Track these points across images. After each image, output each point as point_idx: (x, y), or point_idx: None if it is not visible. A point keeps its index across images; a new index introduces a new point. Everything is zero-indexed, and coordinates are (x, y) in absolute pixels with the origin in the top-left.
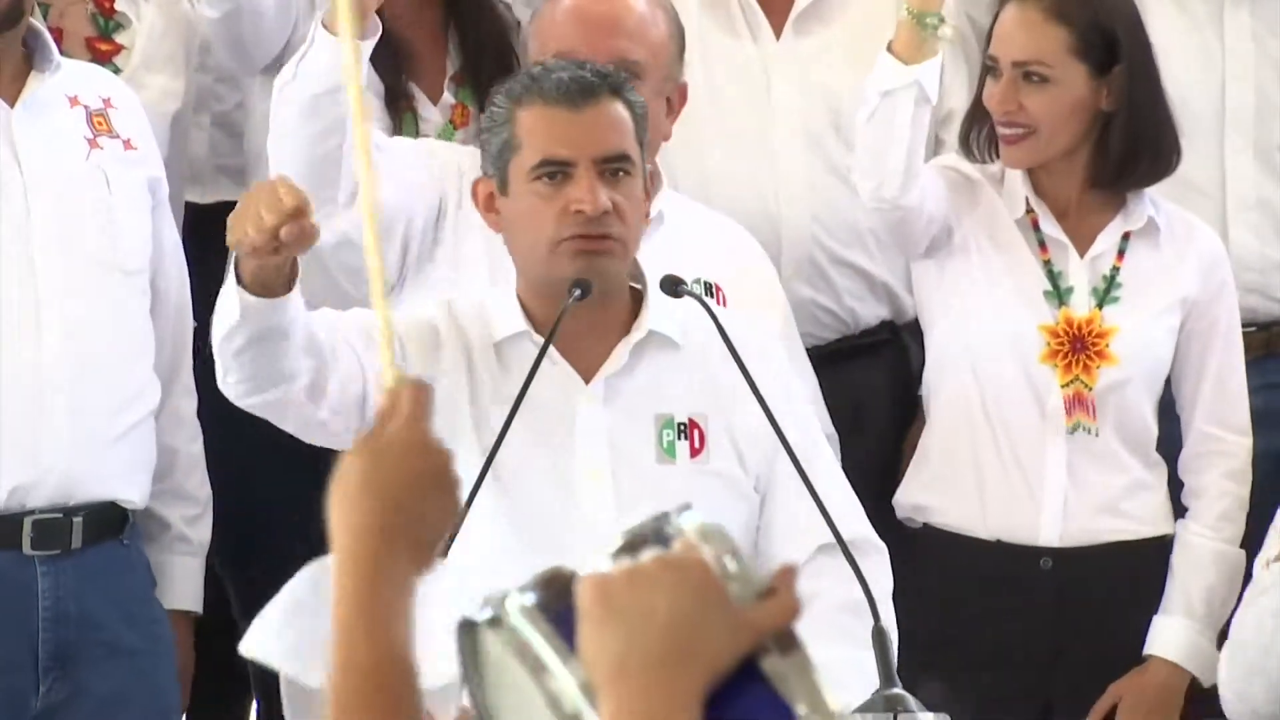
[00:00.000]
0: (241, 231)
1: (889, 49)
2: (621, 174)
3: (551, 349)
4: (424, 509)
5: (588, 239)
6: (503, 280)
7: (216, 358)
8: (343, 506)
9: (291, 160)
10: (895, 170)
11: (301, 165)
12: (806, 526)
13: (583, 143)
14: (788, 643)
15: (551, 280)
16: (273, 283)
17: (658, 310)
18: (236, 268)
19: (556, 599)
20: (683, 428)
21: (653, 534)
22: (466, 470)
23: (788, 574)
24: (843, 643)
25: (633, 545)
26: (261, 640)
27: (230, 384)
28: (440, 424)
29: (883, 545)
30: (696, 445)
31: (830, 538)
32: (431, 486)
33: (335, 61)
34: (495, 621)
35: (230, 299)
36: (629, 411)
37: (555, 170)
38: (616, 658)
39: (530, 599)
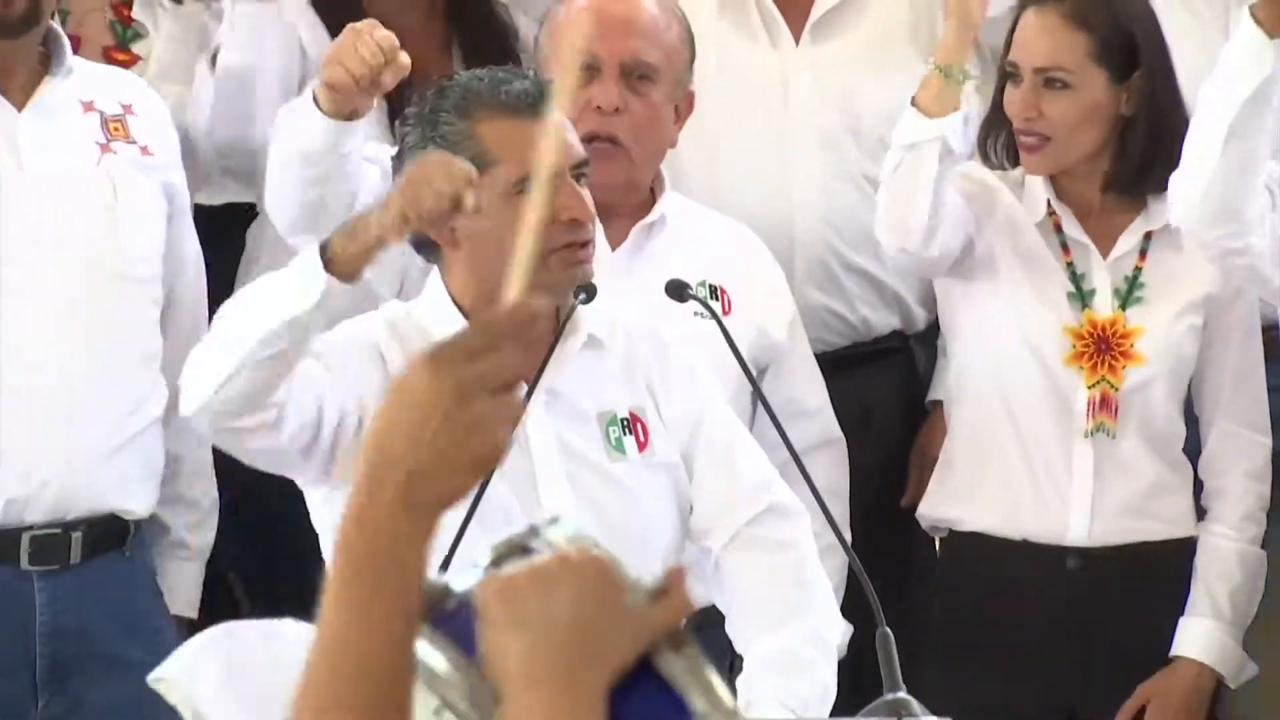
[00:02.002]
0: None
1: (913, 102)
2: (584, 179)
3: None
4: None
5: (579, 246)
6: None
7: (217, 368)
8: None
9: (286, 203)
10: (918, 226)
11: (299, 205)
12: (726, 504)
13: (555, 155)
14: (680, 640)
15: (537, 289)
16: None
17: (589, 313)
18: (324, 253)
19: (433, 607)
20: (626, 423)
21: (520, 548)
22: None
23: (678, 574)
24: (784, 625)
25: (501, 559)
26: (182, 670)
27: (218, 402)
28: None
29: (804, 509)
30: (642, 439)
31: (759, 508)
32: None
33: (321, 132)
34: None
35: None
36: (573, 415)
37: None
38: (523, 657)
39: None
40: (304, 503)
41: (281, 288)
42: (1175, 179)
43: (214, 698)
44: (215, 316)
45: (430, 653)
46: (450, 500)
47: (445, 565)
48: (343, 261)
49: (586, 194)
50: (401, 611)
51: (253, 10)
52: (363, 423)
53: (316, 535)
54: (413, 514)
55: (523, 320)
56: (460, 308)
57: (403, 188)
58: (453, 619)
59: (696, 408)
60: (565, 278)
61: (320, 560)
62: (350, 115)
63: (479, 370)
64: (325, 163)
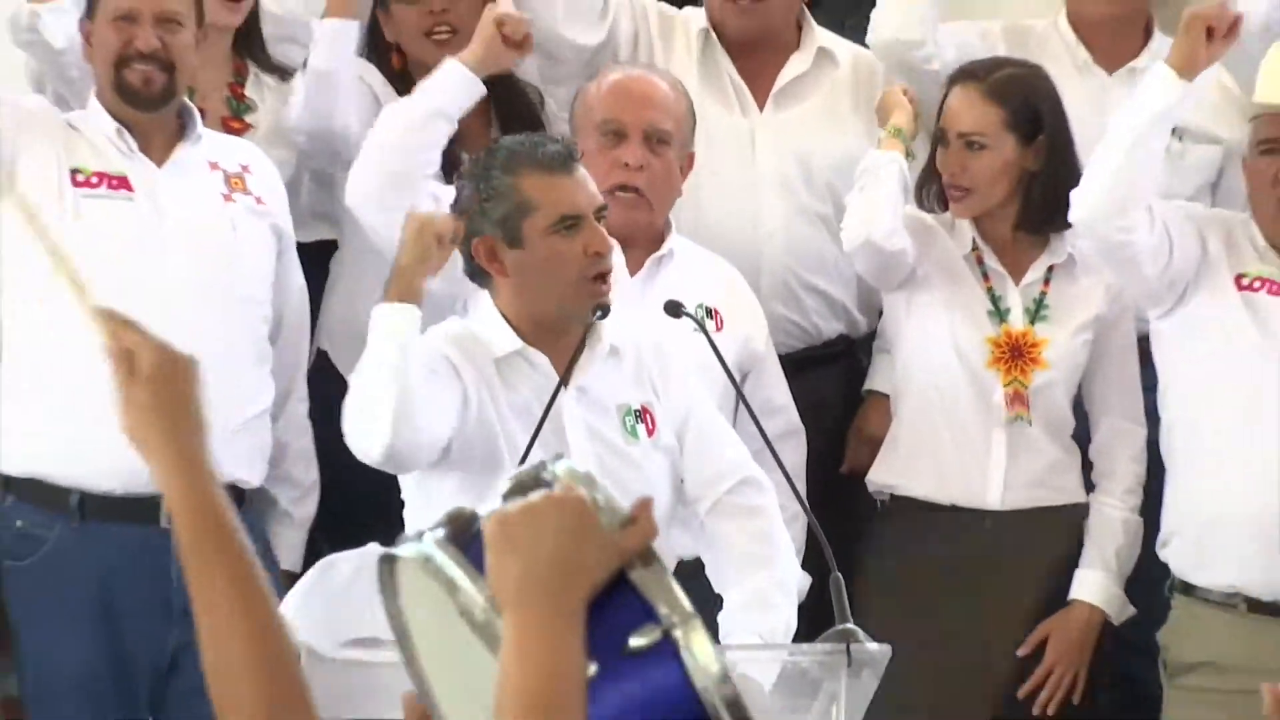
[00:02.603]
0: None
1: (879, 144)
2: (603, 219)
3: (544, 361)
4: None
5: (601, 278)
6: None
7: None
8: None
9: (381, 169)
10: (884, 220)
11: (390, 172)
12: (711, 478)
13: (585, 201)
14: (649, 558)
15: (569, 307)
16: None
17: (611, 328)
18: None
19: (461, 532)
20: (638, 414)
21: (533, 479)
22: (498, 460)
23: (646, 505)
24: (756, 572)
25: (519, 488)
26: (293, 610)
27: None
28: (478, 425)
29: (770, 483)
30: (650, 426)
31: (735, 480)
32: None
33: (457, 83)
34: (413, 550)
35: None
36: (597, 407)
37: (572, 223)
38: (517, 579)
39: (441, 533)
40: (371, 476)
41: (383, 335)
42: (1078, 189)
43: (322, 628)
44: (351, 384)
45: (454, 570)
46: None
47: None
48: (404, 299)
49: (604, 231)
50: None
51: (334, 26)
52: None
53: (383, 502)
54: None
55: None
56: (508, 320)
57: (403, 243)
58: (474, 543)
59: (687, 402)
60: (590, 300)
61: (391, 522)
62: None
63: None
64: (438, 128)
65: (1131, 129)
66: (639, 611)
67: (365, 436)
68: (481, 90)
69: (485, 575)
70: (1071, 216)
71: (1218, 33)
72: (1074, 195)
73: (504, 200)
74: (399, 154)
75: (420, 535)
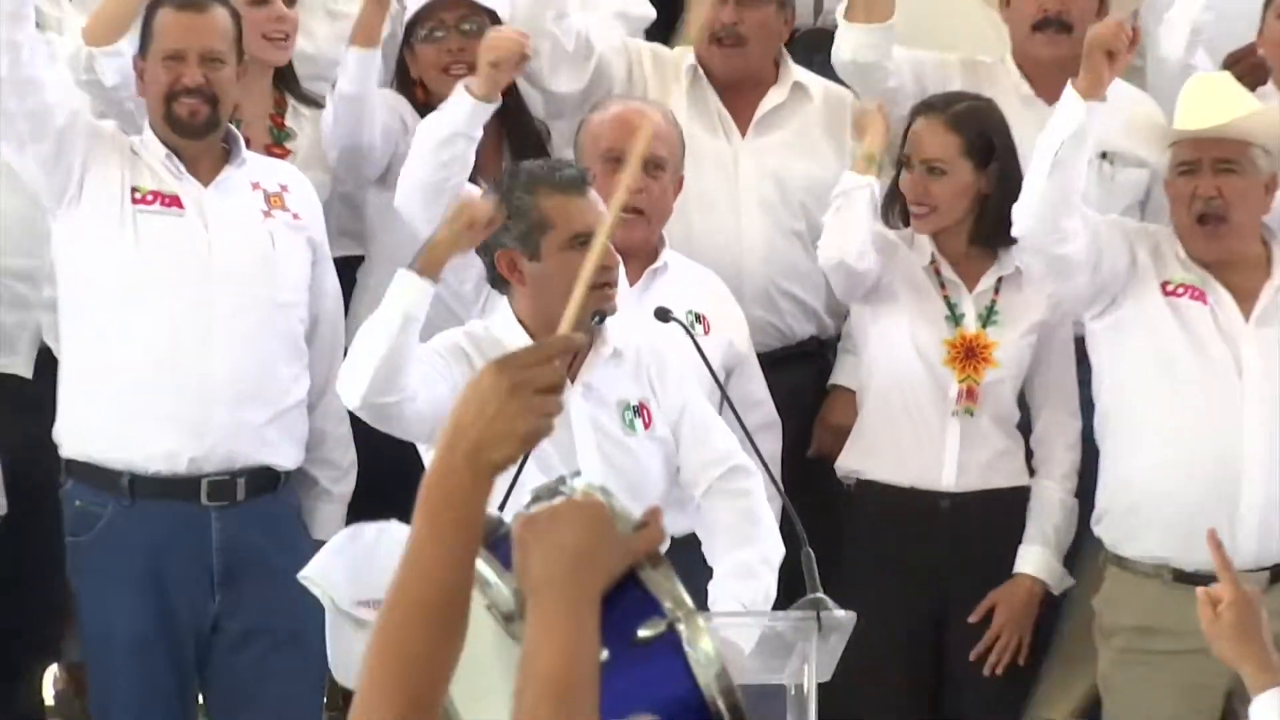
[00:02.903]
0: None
1: (852, 166)
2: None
3: None
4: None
5: (609, 286)
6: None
7: (372, 369)
8: (469, 435)
9: (416, 178)
10: (856, 242)
11: (423, 182)
12: (704, 465)
13: (595, 220)
14: (657, 559)
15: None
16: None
17: (614, 332)
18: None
19: (490, 533)
20: (636, 409)
21: (551, 491)
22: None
23: (656, 513)
24: (742, 548)
25: (540, 498)
26: (321, 569)
27: (371, 386)
28: None
29: (757, 469)
30: (647, 420)
31: (725, 467)
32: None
33: (468, 111)
34: None
35: (406, 294)
36: (601, 403)
37: (585, 240)
38: (542, 573)
39: None
40: (401, 453)
41: (394, 300)
42: (1017, 206)
43: (345, 586)
44: (355, 335)
45: (484, 567)
46: (502, 464)
47: (502, 506)
48: (424, 272)
49: (611, 247)
50: (464, 540)
51: (358, 54)
52: None
53: (409, 482)
54: (474, 471)
55: (567, 346)
56: (524, 326)
57: (445, 221)
58: (501, 543)
59: (681, 399)
60: (599, 305)
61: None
62: (493, 99)
63: (531, 374)
64: (458, 146)
65: (1051, 150)
66: (647, 606)
67: (348, 383)
68: (490, 110)
69: (511, 571)
70: (1014, 231)
71: (1117, 54)
72: (1014, 212)
73: (524, 218)
74: (429, 167)
75: None
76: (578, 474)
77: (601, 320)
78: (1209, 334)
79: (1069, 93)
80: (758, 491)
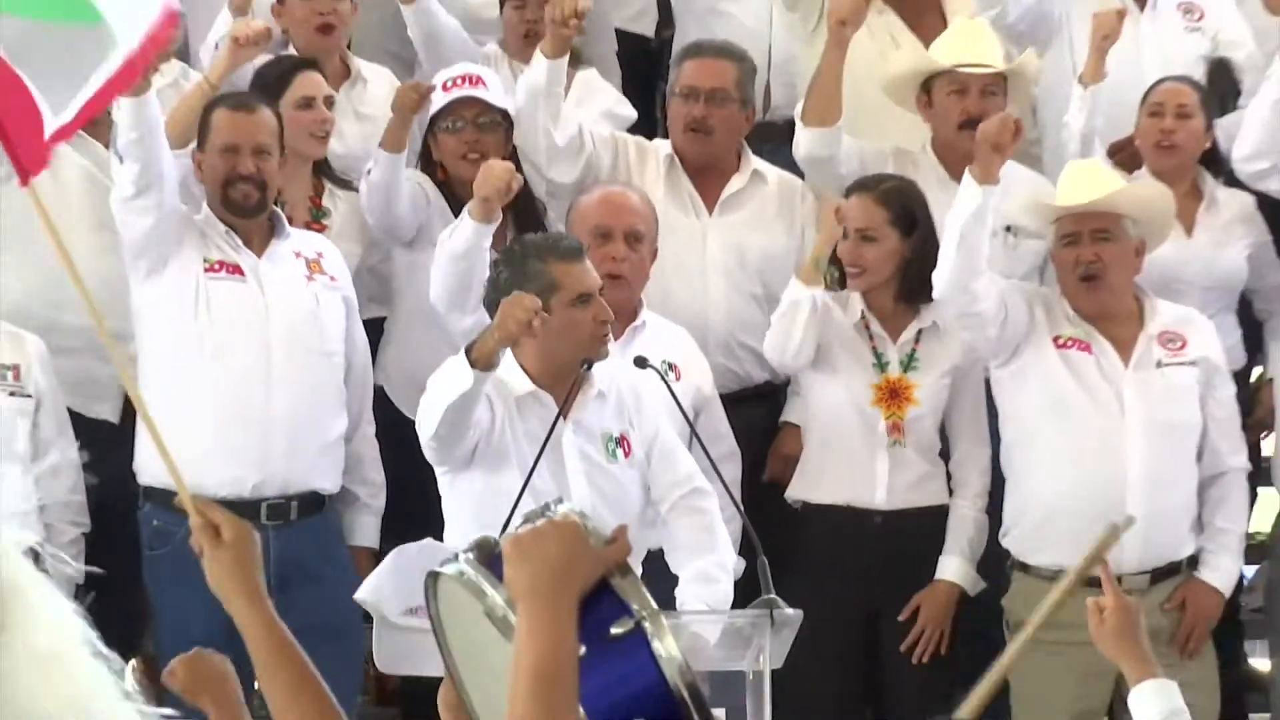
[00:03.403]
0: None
1: (795, 273)
2: (603, 295)
3: (549, 400)
4: None
5: (606, 334)
6: None
7: (436, 425)
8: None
9: (442, 287)
10: (794, 350)
11: (449, 284)
12: (671, 485)
13: (593, 282)
14: (625, 569)
15: (582, 354)
16: (494, 363)
17: (600, 376)
18: (471, 357)
19: (486, 553)
20: (618, 440)
21: (539, 515)
22: (510, 468)
23: (623, 530)
24: (702, 556)
25: (530, 520)
26: (373, 589)
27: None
28: (498, 443)
29: (713, 490)
30: (627, 450)
31: (687, 488)
32: None
33: (472, 232)
34: (452, 568)
35: (462, 379)
36: (588, 436)
37: (586, 298)
38: (528, 581)
39: (471, 554)
40: (426, 477)
41: (453, 379)
42: (935, 271)
43: (393, 600)
44: (425, 394)
45: (480, 580)
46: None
47: (505, 527)
48: (478, 362)
49: (605, 303)
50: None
51: (387, 156)
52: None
53: (431, 503)
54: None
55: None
56: (525, 370)
57: (499, 320)
58: (495, 562)
59: (654, 429)
60: (593, 351)
61: (430, 510)
62: (491, 220)
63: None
64: (471, 256)
65: (957, 226)
66: (618, 608)
67: (422, 428)
68: (493, 228)
69: (503, 583)
70: (934, 293)
71: (1003, 146)
72: (934, 277)
73: (537, 281)
74: (452, 277)
75: (456, 557)
76: (560, 501)
77: (589, 367)
78: (1095, 379)
79: (967, 179)
80: (714, 510)
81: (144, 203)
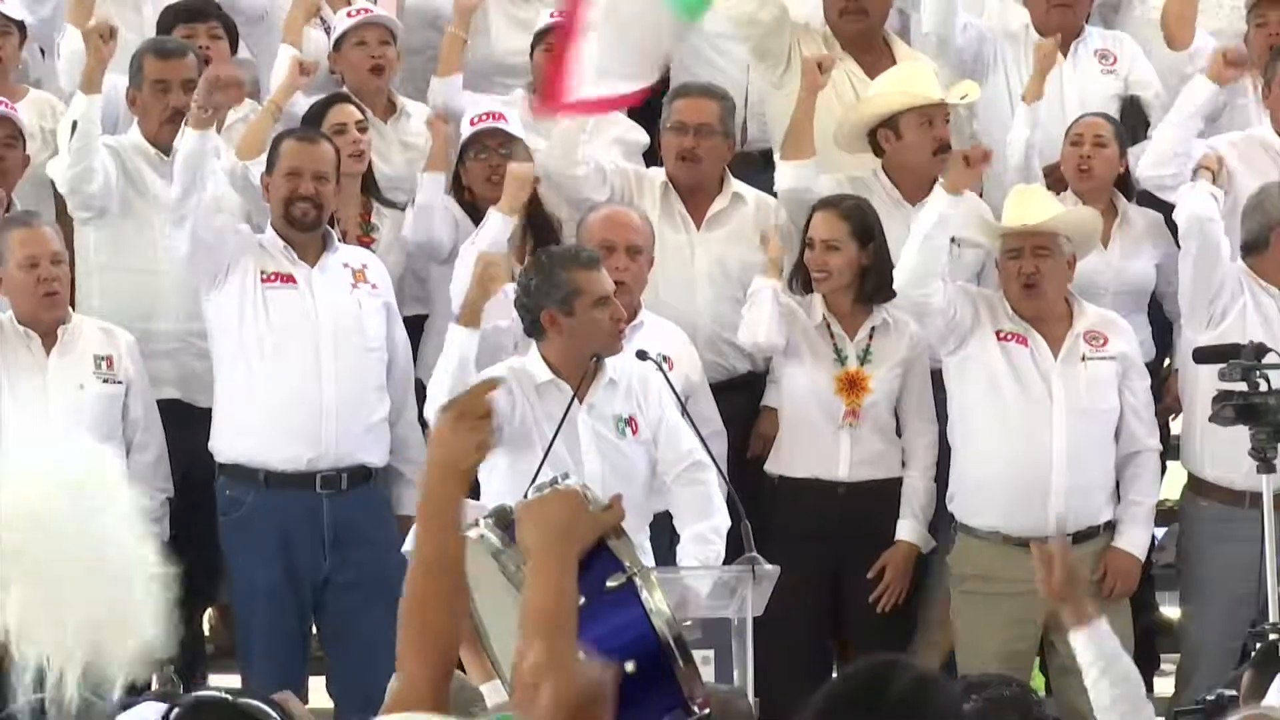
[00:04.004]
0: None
1: (760, 271)
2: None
3: (565, 386)
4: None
5: (622, 333)
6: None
7: (446, 392)
8: (435, 454)
9: (465, 273)
10: (764, 332)
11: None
12: (674, 460)
13: (609, 287)
14: (620, 531)
15: (600, 349)
16: (478, 321)
17: (613, 365)
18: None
19: (502, 520)
20: (627, 421)
21: (547, 487)
22: (532, 447)
23: (617, 499)
24: (700, 521)
25: (539, 490)
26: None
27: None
28: (521, 424)
29: (711, 463)
30: (635, 430)
31: (688, 462)
32: (476, 442)
33: (499, 226)
34: (474, 532)
35: (461, 342)
36: (600, 416)
37: (605, 301)
38: (536, 541)
39: (490, 520)
40: None
41: (452, 347)
42: (897, 266)
43: None
44: (432, 379)
45: (497, 540)
46: (469, 470)
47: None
48: (470, 322)
49: (620, 305)
50: (446, 524)
51: (431, 177)
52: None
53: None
54: (444, 477)
55: (488, 387)
56: (548, 363)
57: (473, 282)
58: (511, 525)
59: (660, 413)
60: (616, 345)
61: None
62: (514, 212)
63: (468, 406)
64: (495, 250)
65: (922, 227)
66: (613, 564)
67: (431, 402)
68: (514, 221)
69: (516, 544)
70: (895, 285)
71: (973, 161)
72: (895, 273)
73: (562, 287)
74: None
75: (477, 523)
76: (566, 475)
77: (599, 360)
78: (1029, 370)
79: (938, 190)
80: (712, 480)
81: (179, 233)
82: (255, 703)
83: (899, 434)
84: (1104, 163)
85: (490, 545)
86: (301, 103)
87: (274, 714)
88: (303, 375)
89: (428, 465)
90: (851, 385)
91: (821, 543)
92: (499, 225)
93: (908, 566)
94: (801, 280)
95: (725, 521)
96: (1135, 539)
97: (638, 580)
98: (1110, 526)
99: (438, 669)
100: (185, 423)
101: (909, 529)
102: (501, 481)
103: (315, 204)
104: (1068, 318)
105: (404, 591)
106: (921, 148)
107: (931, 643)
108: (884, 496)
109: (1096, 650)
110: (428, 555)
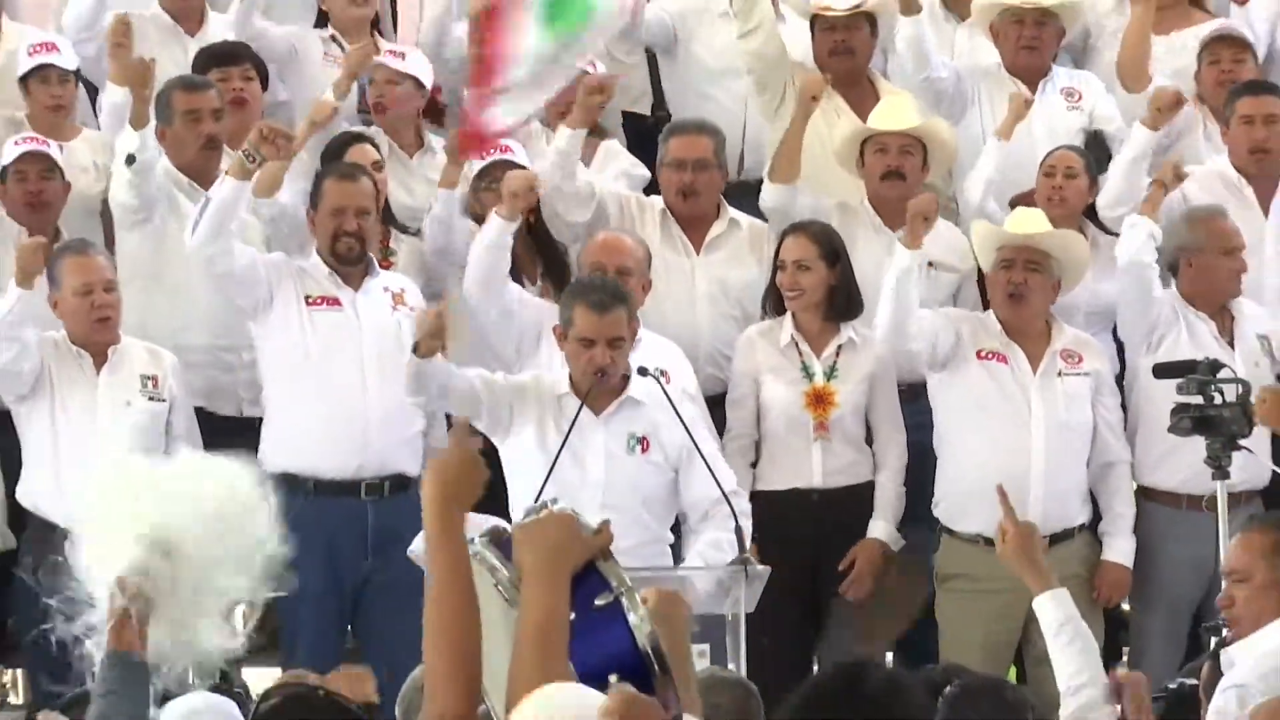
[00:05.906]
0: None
1: (899, 241)
2: (619, 343)
3: (575, 401)
4: (467, 488)
5: (600, 371)
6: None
7: (477, 270)
8: (431, 487)
9: (476, 267)
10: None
11: (480, 272)
12: (703, 493)
13: (599, 332)
14: (607, 554)
15: (580, 379)
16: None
17: (634, 384)
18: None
19: (499, 540)
20: (640, 439)
21: (539, 510)
22: (548, 445)
23: (606, 524)
24: (717, 532)
25: (531, 513)
26: (418, 548)
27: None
28: (533, 437)
29: (743, 492)
30: (645, 448)
31: (709, 504)
32: (471, 477)
33: (499, 228)
34: (470, 550)
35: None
36: (614, 433)
37: (590, 343)
38: (531, 560)
39: (486, 539)
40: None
41: (487, 234)
42: (876, 320)
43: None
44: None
45: (493, 559)
46: (465, 507)
47: (538, 496)
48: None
49: (617, 350)
50: (457, 557)
51: (445, 192)
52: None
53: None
54: (443, 516)
55: (464, 428)
56: (570, 378)
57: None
58: (505, 544)
59: (679, 445)
60: (586, 385)
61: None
62: (514, 218)
63: (457, 449)
64: (497, 250)
65: (889, 282)
66: (601, 584)
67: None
68: (515, 226)
69: (512, 562)
70: (877, 336)
71: (931, 218)
72: (875, 324)
73: (565, 312)
74: (482, 268)
75: (474, 541)
76: (555, 500)
77: (603, 378)
78: (1009, 385)
79: (898, 246)
80: (725, 511)
81: (205, 270)
82: (337, 695)
83: (869, 442)
84: (1075, 192)
85: (487, 563)
86: (323, 135)
87: (353, 708)
88: (349, 390)
89: (430, 507)
90: (819, 400)
91: (800, 544)
92: (499, 226)
93: (876, 562)
94: (773, 302)
95: (734, 540)
96: (1123, 549)
97: (624, 600)
98: (1084, 529)
99: (470, 688)
100: (207, 431)
101: (880, 529)
102: (523, 482)
103: (359, 238)
104: (1046, 336)
105: (426, 621)
106: (872, 173)
107: (884, 626)
108: (855, 501)
109: (1065, 612)
110: (444, 578)
